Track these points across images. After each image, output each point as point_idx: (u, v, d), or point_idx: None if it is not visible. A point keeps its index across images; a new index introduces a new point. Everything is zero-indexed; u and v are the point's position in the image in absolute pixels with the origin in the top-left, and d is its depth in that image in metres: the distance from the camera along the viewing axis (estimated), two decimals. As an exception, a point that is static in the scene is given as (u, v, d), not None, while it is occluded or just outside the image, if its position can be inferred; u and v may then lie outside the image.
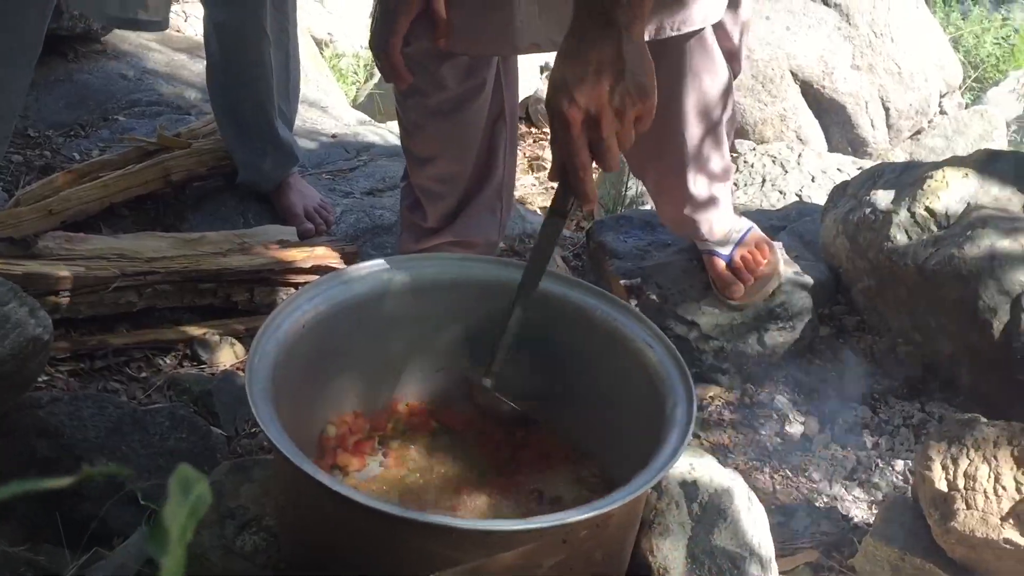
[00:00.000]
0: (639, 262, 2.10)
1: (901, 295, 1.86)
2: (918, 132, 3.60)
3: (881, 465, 1.72)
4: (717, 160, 1.76)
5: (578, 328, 1.27)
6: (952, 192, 1.88)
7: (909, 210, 1.88)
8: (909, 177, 1.96)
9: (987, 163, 1.92)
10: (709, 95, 1.65)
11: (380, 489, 1.22)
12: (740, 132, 3.34)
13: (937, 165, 1.96)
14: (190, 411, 1.49)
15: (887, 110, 3.45)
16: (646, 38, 1.55)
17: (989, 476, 1.29)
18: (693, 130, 1.69)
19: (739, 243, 1.92)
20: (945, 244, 1.80)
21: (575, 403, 1.28)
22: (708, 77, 1.63)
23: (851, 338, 1.95)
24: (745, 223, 1.97)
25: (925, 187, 1.89)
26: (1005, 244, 1.75)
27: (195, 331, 1.80)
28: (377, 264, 1.28)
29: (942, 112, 3.75)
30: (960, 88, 4.26)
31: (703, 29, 1.56)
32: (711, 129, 1.71)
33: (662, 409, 1.12)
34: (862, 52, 3.42)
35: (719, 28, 1.61)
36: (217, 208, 2.19)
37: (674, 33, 1.53)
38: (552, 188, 3.74)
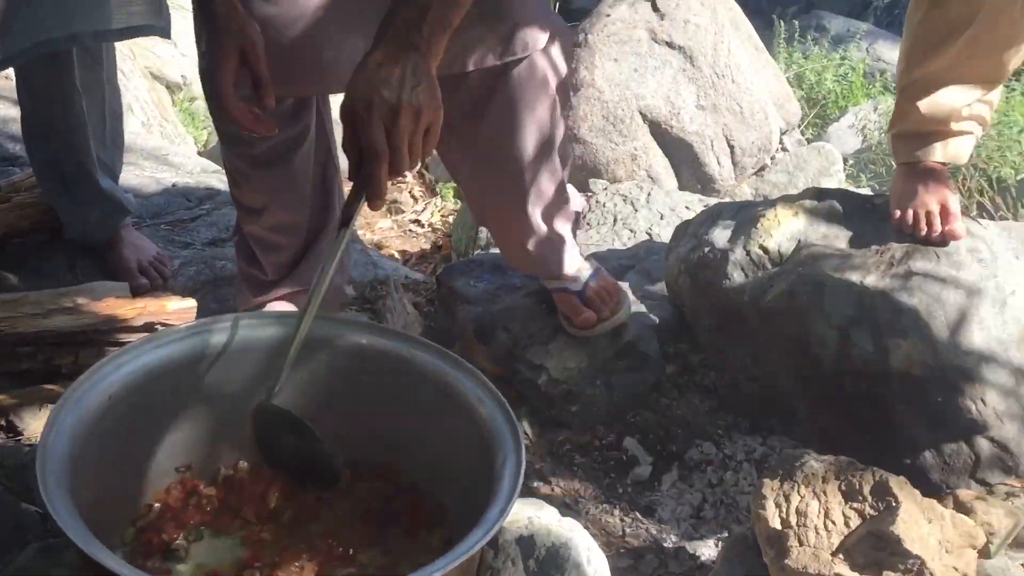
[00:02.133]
0: (489, 306, 2.09)
1: (740, 332, 1.91)
2: (762, 168, 3.74)
3: (726, 501, 1.75)
4: (556, 192, 1.76)
5: (409, 383, 1.24)
6: (784, 230, 1.94)
7: (744, 248, 1.94)
8: (744, 216, 2.02)
9: (815, 201, 2.00)
10: (542, 124, 1.65)
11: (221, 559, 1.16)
12: (593, 172, 3.38)
13: (770, 204, 2.02)
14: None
15: (732, 148, 3.57)
16: (470, 67, 1.56)
17: (819, 511, 1.32)
18: (529, 160, 1.67)
19: (589, 280, 1.93)
20: (778, 281, 1.86)
21: (423, 462, 1.25)
22: (540, 106, 1.62)
23: (696, 375, 1.98)
24: (593, 264, 1.98)
25: (759, 226, 1.95)
26: (833, 278, 1.82)
27: (12, 400, 1.67)
28: (194, 326, 1.22)
29: (783, 149, 3.91)
30: (801, 125, 4.47)
31: (529, 57, 1.56)
32: (546, 158, 1.70)
33: (492, 465, 1.10)
34: (706, 92, 3.54)
35: (546, 55, 1.60)
36: (42, 265, 2.06)
37: (498, 62, 1.53)
38: (409, 232, 3.72)
